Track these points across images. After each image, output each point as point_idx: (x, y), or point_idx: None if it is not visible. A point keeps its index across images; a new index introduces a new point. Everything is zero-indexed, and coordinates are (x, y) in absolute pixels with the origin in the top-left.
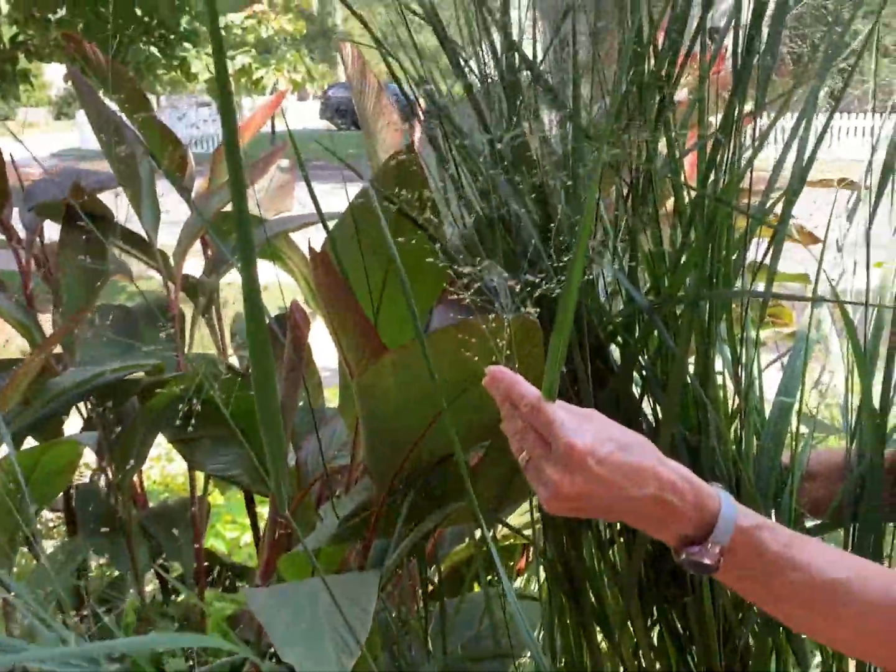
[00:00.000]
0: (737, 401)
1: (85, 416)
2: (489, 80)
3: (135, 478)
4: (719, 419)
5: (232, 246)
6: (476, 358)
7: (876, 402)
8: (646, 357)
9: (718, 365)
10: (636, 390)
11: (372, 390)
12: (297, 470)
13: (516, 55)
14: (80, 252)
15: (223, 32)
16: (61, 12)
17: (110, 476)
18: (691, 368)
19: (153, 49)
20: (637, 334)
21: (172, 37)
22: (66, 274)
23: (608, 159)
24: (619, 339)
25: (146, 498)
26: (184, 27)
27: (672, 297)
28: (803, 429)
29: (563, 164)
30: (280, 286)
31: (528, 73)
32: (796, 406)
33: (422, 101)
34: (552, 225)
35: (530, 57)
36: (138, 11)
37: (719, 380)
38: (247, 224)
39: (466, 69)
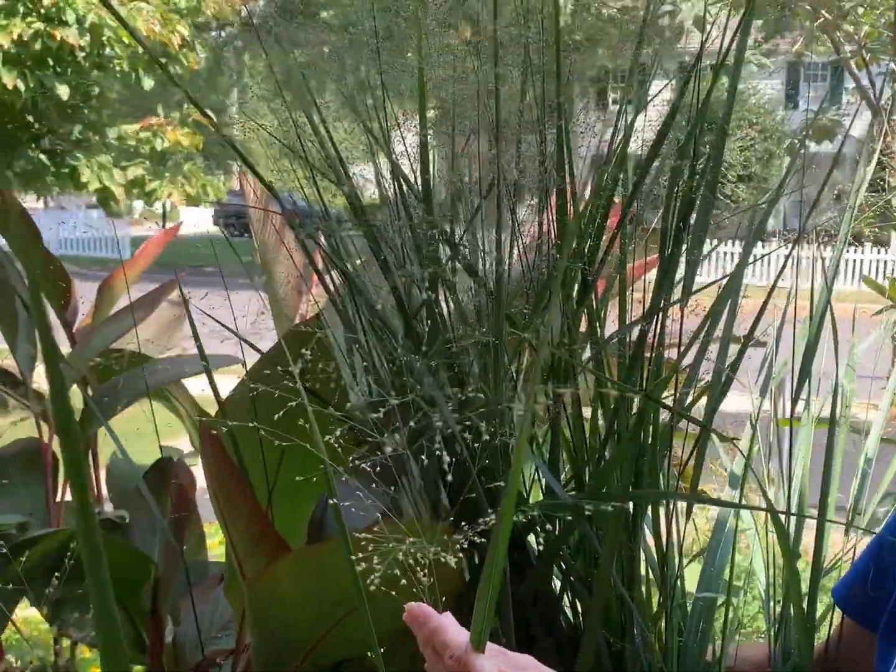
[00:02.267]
0: (659, 597)
1: None
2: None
3: None
4: (643, 623)
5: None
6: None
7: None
8: (566, 550)
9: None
10: (555, 584)
11: (268, 594)
12: (174, 649)
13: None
14: None
15: (116, 143)
16: None
17: None
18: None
19: (42, 156)
20: (558, 527)
21: (61, 145)
22: None
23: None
24: (539, 529)
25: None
26: (75, 136)
27: (598, 494)
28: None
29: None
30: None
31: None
32: (719, 601)
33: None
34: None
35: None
36: (29, 118)
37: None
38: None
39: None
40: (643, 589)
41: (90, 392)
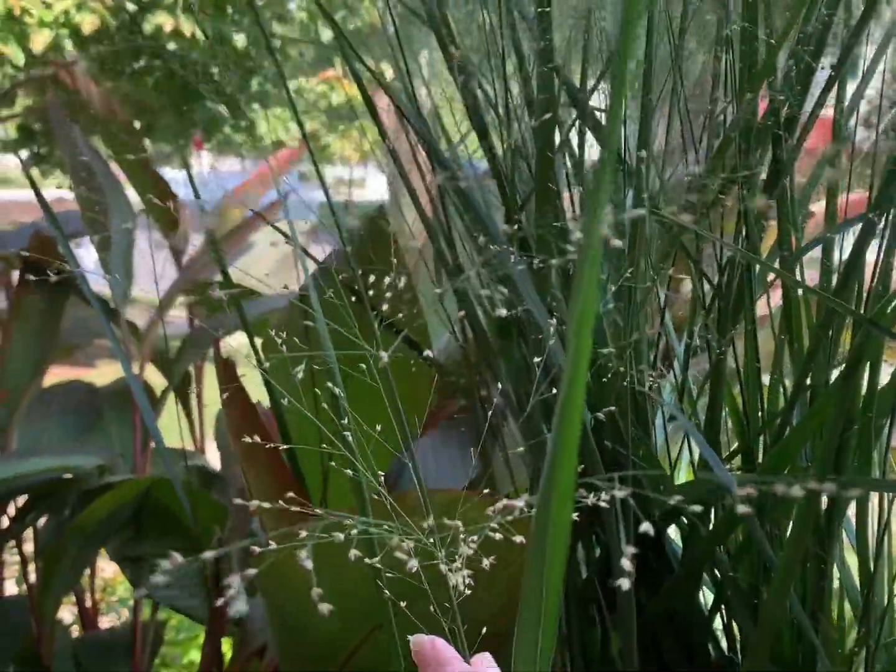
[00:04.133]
0: (859, 631)
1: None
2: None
3: (86, 593)
4: (832, 666)
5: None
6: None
7: None
8: (723, 554)
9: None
10: (704, 600)
11: (282, 580)
12: (240, 626)
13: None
14: (34, 315)
15: (295, 95)
16: (137, 65)
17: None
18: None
19: (221, 108)
20: (714, 520)
21: (242, 97)
22: (13, 341)
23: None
24: (685, 521)
25: (95, 613)
26: (255, 88)
27: (777, 476)
28: None
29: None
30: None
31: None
32: None
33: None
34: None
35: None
36: (212, 69)
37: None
38: None
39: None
40: (834, 618)
41: (196, 322)
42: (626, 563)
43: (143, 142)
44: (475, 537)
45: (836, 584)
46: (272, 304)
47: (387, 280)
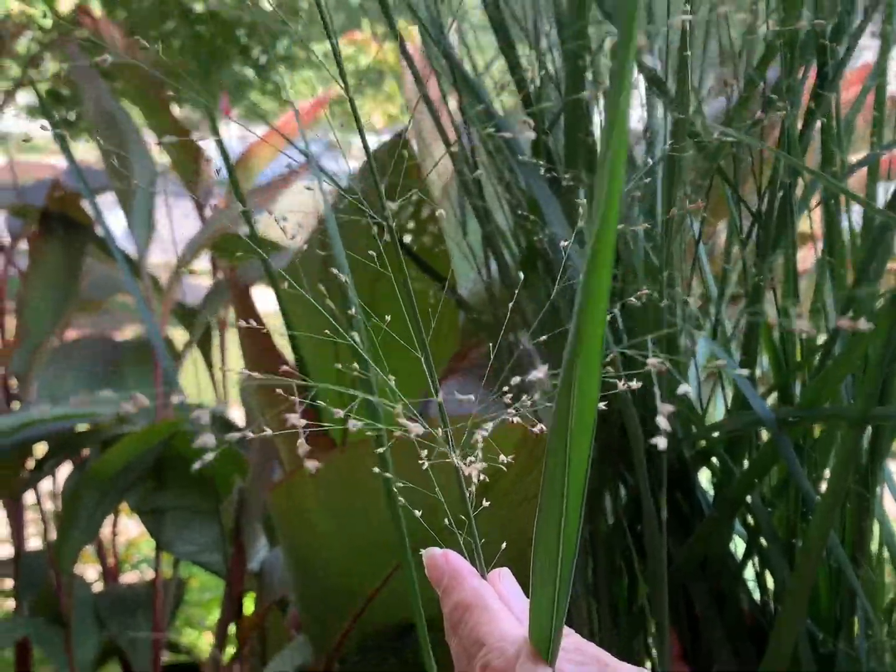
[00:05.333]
0: None
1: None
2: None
3: (109, 551)
4: (873, 615)
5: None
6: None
7: None
8: (758, 496)
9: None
10: (735, 546)
11: (293, 514)
12: (259, 578)
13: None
14: (53, 267)
15: (323, 59)
16: (165, 26)
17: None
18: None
19: (248, 71)
20: (748, 460)
21: (268, 60)
22: (33, 292)
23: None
24: (716, 462)
25: (117, 572)
26: (283, 52)
27: (814, 409)
28: None
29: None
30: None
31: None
32: None
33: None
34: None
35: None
36: (239, 32)
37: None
38: None
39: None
40: (875, 565)
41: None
42: (663, 421)
43: (167, 92)
44: (490, 425)
45: (876, 530)
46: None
47: (410, 208)
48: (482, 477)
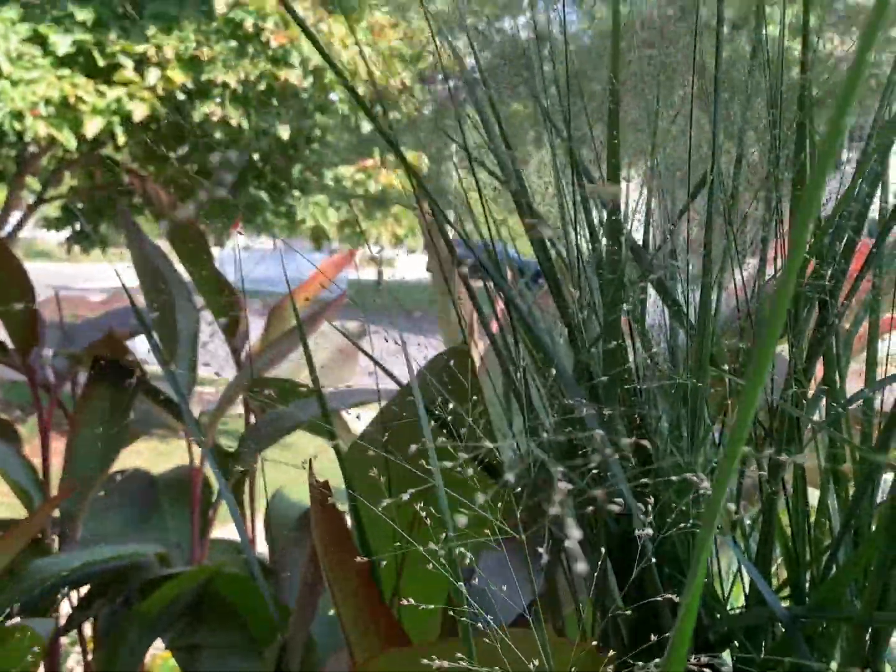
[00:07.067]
0: None
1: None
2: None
3: None
4: None
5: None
6: None
7: None
8: None
9: None
10: None
11: None
12: None
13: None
14: (101, 411)
15: (332, 184)
16: (182, 150)
17: None
18: None
19: (262, 193)
20: (764, 648)
21: (283, 184)
22: (81, 434)
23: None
24: (737, 647)
25: None
26: (295, 176)
27: (826, 610)
28: None
29: (671, 389)
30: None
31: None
32: None
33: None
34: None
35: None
36: (255, 157)
37: None
38: None
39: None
40: None
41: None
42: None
43: (208, 244)
44: None
45: None
46: (331, 401)
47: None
48: None
